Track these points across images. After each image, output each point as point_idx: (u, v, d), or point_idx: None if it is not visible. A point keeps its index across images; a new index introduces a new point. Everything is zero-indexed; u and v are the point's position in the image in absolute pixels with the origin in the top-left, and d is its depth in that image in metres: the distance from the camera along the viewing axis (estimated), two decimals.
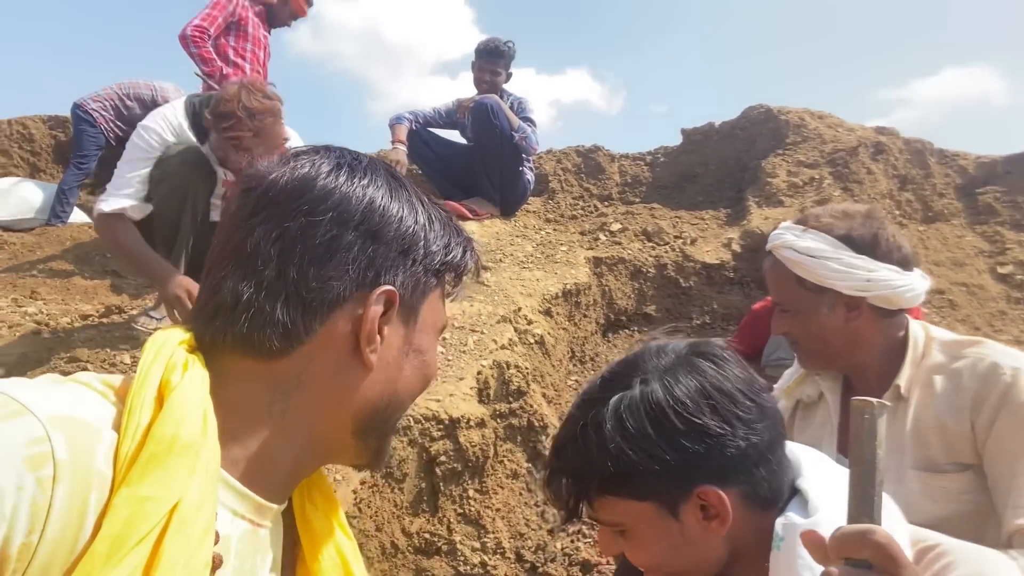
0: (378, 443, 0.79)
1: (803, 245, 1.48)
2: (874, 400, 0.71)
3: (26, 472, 0.52)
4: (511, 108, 4.26)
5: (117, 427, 0.60)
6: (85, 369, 2.48)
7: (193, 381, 0.65)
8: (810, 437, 1.62)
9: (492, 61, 4.37)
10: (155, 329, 2.71)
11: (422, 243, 0.76)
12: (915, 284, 1.48)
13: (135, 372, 0.66)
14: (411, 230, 0.76)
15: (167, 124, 2.73)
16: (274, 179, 0.73)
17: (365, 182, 0.75)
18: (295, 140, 3.07)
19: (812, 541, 0.76)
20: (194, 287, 2.58)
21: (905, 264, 1.49)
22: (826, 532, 0.94)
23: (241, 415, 0.69)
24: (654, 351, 1.04)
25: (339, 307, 0.71)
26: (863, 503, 0.71)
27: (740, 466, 0.96)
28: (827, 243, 1.47)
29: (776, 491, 1.00)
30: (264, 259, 0.70)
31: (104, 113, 5.01)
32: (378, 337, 0.73)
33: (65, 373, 2.34)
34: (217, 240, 0.74)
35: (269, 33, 4.61)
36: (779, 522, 0.98)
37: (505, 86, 4.49)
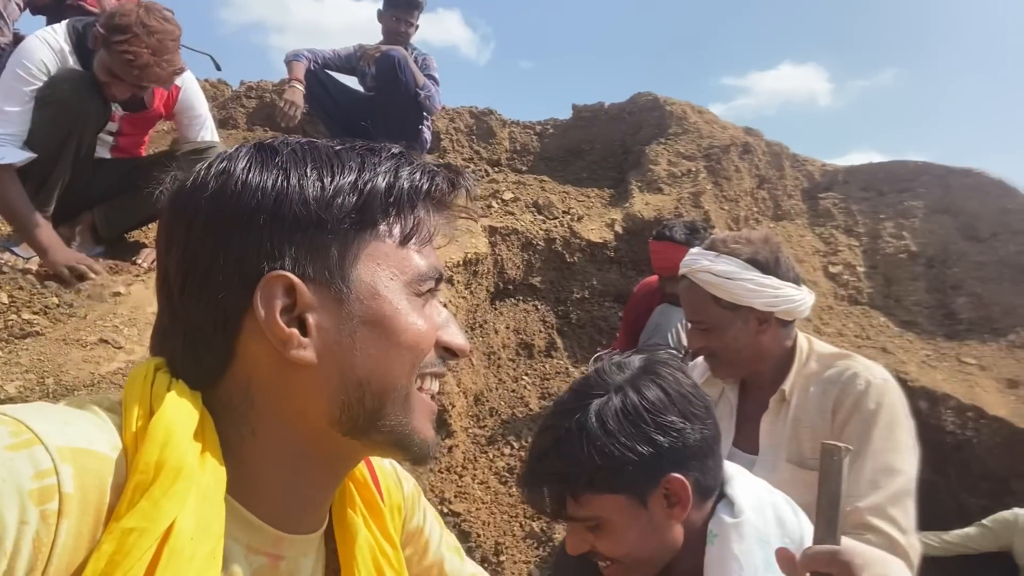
0: (388, 435, 0.67)
1: (719, 268, 1.66)
2: (841, 445, 0.87)
3: (31, 506, 0.50)
4: (415, 63, 4.19)
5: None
6: None
7: (176, 402, 0.60)
8: None
9: (408, 11, 4.25)
10: (22, 269, 2.47)
11: (299, 205, 0.63)
12: (807, 299, 1.72)
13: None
14: (278, 197, 0.63)
15: (49, 50, 2.45)
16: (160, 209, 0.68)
17: (215, 169, 0.65)
18: (189, 76, 2.84)
19: (784, 558, 0.91)
20: (81, 260, 2.47)
21: (798, 281, 1.73)
22: (748, 530, 1.15)
23: (228, 443, 0.64)
24: (616, 366, 1.22)
25: (240, 318, 0.63)
26: (829, 527, 0.87)
27: (696, 456, 1.15)
28: (738, 265, 1.66)
29: (716, 481, 1.21)
30: (160, 300, 0.67)
31: None
32: (292, 332, 0.62)
33: None
34: None
35: None
36: (712, 522, 1.18)
37: (411, 40, 4.39)
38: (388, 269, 0.66)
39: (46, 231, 2.45)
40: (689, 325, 1.80)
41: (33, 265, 2.55)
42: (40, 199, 2.51)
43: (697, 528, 1.17)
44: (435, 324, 0.69)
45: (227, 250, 0.62)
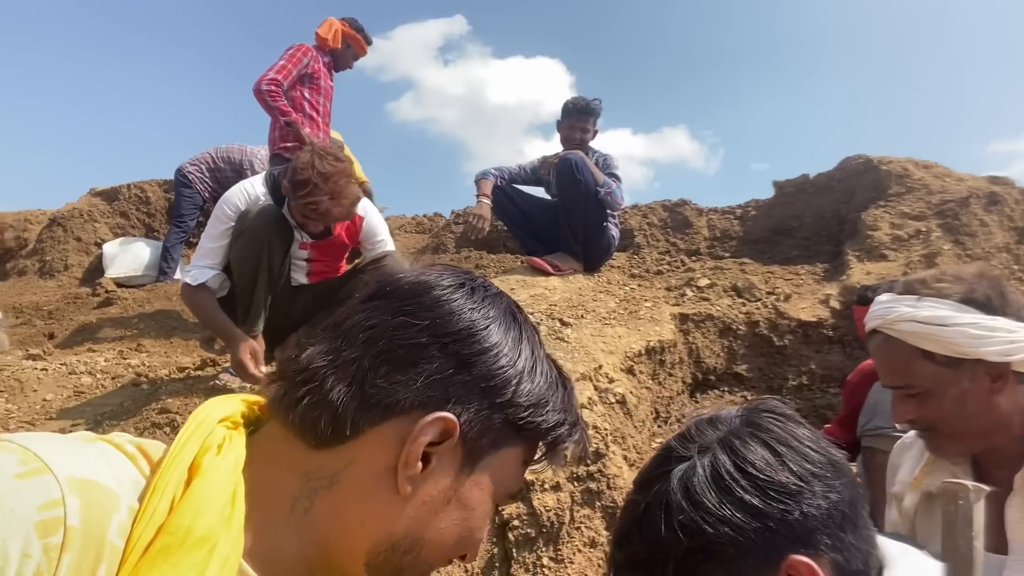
0: None
1: (927, 315, 1.29)
2: (969, 483, 0.60)
3: (34, 539, 0.49)
4: (596, 164, 4.24)
5: (142, 498, 0.58)
6: (174, 419, 2.56)
7: (223, 466, 0.62)
8: (936, 532, 1.42)
9: (582, 119, 4.38)
10: (239, 387, 2.79)
11: (511, 389, 0.69)
12: None
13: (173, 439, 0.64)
14: (503, 371, 0.70)
15: (245, 196, 2.86)
16: (397, 278, 0.73)
17: (476, 306, 0.71)
18: (370, 206, 3.13)
19: None
20: (259, 350, 2.74)
21: None
22: None
23: (266, 506, 0.65)
24: (707, 421, 0.96)
25: (394, 416, 0.66)
26: None
27: (825, 528, 0.84)
28: (951, 308, 1.28)
29: (866, 563, 0.88)
30: (350, 340, 0.68)
31: (199, 175, 5.37)
32: (419, 465, 0.66)
33: (155, 424, 2.42)
34: (332, 316, 0.74)
35: (333, 80, 4.69)
36: None
37: (591, 144, 4.48)
38: (503, 476, 0.72)
39: (232, 329, 2.78)
40: (892, 393, 1.43)
41: (248, 384, 2.87)
42: (249, 321, 2.85)
43: None
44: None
45: (441, 371, 0.67)
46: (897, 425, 2.62)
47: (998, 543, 1.31)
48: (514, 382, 0.69)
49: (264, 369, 2.75)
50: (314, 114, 4.42)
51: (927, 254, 4.03)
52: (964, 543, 0.59)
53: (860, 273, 4.03)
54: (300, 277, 3.07)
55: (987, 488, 0.61)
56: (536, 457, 0.75)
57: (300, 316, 3.09)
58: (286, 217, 2.84)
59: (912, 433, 1.56)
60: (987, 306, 1.28)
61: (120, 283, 5.29)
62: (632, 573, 0.92)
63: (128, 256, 5.47)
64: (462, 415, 0.66)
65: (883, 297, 1.39)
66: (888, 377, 1.38)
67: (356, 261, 3.33)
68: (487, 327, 0.70)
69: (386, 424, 0.66)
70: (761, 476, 0.84)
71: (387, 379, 0.66)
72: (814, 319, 3.82)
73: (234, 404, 0.71)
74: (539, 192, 4.62)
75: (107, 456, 0.60)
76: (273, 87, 4.17)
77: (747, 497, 0.84)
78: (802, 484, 0.85)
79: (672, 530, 0.85)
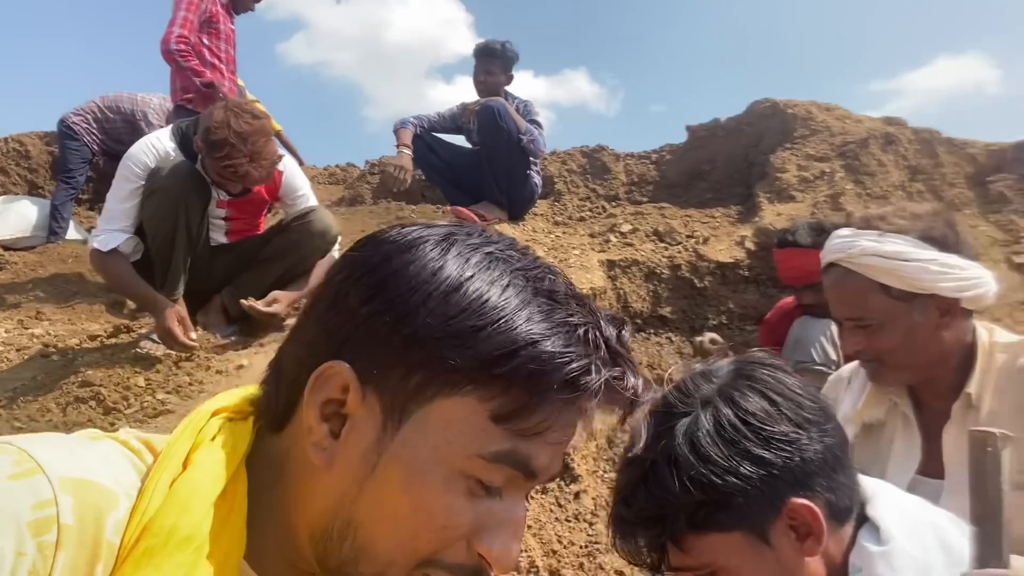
0: None
1: (890, 250, 1.34)
2: (996, 431, 0.65)
3: (28, 537, 0.48)
4: (516, 111, 4.20)
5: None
6: (99, 392, 2.42)
7: (209, 460, 0.58)
8: (874, 461, 1.51)
9: (487, 61, 4.30)
10: (163, 355, 2.64)
11: (416, 314, 0.55)
12: (992, 281, 1.40)
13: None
14: (403, 298, 0.56)
15: (153, 152, 2.66)
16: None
17: (394, 240, 0.61)
18: (288, 160, 2.99)
19: None
20: (185, 315, 2.60)
21: (977, 260, 1.42)
22: (901, 560, 0.90)
23: (254, 501, 0.60)
24: (700, 375, 1.00)
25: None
26: (990, 544, 0.65)
27: (821, 471, 0.92)
28: (910, 244, 1.34)
29: (852, 500, 0.96)
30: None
31: (86, 126, 4.96)
32: (322, 427, 0.57)
33: (79, 398, 2.27)
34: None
35: (234, 23, 4.35)
36: (853, 553, 0.93)
37: (508, 88, 4.42)
38: (455, 435, 0.55)
39: (153, 296, 2.64)
40: (839, 325, 1.49)
41: (173, 352, 2.73)
42: (168, 285, 2.69)
43: (837, 564, 0.93)
44: (467, 520, 0.56)
45: (338, 315, 0.59)
46: (816, 356, 2.81)
47: (936, 469, 1.44)
48: (418, 309, 0.55)
49: (193, 335, 2.63)
50: (216, 61, 4.12)
51: (832, 194, 4.26)
52: (993, 488, 0.64)
53: (771, 214, 4.22)
54: (219, 236, 2.92)
55: (1013, 435, 0.66)
56: (525, 408, 0.54)
57: (222, 277, 2.94)
58: (201, 174, 2.67)
59: (847, 368, 1.67)
60: (943, 243, 1.35)
61: (6, 246, 4.87)
62: (642, 529, 0.96)
63: (12, 216, 5.02)
64: (356, 361, 0.56)
65: (843, 231, 1.44)
66: (843, 309, 1.44)
67: (279, 218, 3.19)
68: (389, 257, 0.58)
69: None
70: (764, 427, 0.90)
71: (296, 344, 0.63)
72: (731, 260, 3.99)
73: (239, 395, 0.67)
74: (459, 140, 4.54)
75: (108, 455, 0.57)
76: (183, 45, 3.81)
77: (753, 448, 0.89)
78: (800, 431, 0.91)
79: (683, 485, 0.89)
